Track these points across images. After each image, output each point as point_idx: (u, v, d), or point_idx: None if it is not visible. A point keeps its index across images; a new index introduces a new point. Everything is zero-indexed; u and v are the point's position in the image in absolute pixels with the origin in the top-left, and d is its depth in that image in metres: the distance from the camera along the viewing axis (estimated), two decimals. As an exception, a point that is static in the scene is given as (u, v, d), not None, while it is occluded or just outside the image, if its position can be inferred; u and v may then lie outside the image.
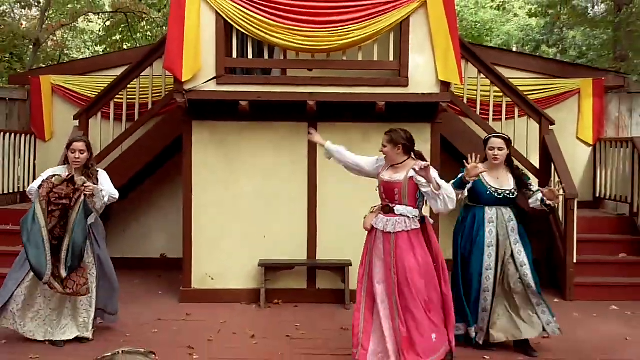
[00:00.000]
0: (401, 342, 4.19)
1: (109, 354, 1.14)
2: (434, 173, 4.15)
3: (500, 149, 4.77)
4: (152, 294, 6.71)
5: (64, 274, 4.62)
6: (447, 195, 4.18)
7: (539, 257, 7.23)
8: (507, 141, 4.84)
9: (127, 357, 1.14)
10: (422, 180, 4.18)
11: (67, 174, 4.83)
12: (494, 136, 4.92)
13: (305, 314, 5.93)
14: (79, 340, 4.85)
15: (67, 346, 4.80)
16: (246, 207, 6.43)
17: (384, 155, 4.47)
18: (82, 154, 4.96)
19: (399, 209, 4.30)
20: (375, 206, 4.49)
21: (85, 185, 4.78)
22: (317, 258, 6.43)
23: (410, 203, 4.30)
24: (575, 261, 6.55)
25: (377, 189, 4.48)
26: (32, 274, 4.69)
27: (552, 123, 7.17)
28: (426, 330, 4.21)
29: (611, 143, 7.79)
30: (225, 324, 5.61)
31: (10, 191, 7.64)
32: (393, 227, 4.30)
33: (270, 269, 6.27)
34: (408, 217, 4.29)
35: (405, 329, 4.20)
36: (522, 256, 4.74)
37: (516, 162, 5.31)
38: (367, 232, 4.48)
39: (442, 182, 4.18)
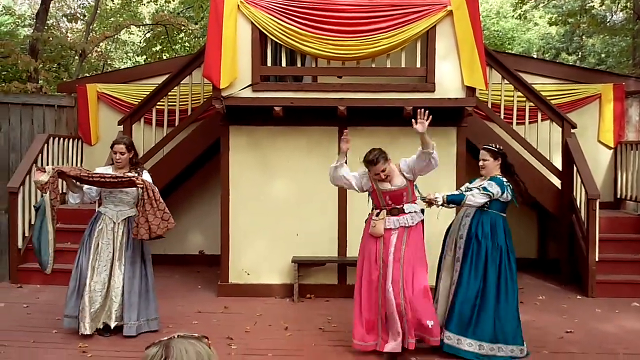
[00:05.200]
0: (409, 325, 4.55)
1: (165, 338, 1.36)
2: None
3: (484, 160, 4.88)
4: (191, 288, 6.96)
5: None
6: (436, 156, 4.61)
7: (560, 256, 7.46)
8: (494, 152, 4.86)
9: (183, 341, 1.36)
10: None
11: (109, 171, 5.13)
12: (482, 148, 5.02)
13: (336, 308, 6.10)
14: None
15: (113, 336, 5.06)
16: (280, 206, 6.65)
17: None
18: (122, 154, 5.14)
19: (407, 207, 4.72)
20: (376, 213, 4.76)
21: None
22: (347, 255, 6.63)
23: (413, 199, 4.75)
24: (597, 259, 6.67)
25: (374, 198, 4.80)
26: None
27: (574, 127, 7.30)
28: (431, 316, 4.61)
29: (631, 146, 7.88)
30: (260, 316, 5.81)
31: (59, 192, 7.88)
32: (412, 221, 4.69)
33: (302, 265, 6.51)
34: (416, 211, 4.74)
35: (412, 314, 4.56)
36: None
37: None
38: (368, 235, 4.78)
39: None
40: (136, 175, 5.11)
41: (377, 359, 4.66)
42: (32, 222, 5.04)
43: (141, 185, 4.97)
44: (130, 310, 5.06)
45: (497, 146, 4.94)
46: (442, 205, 4.73)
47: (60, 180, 5.06)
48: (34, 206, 5.00)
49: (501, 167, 4.87)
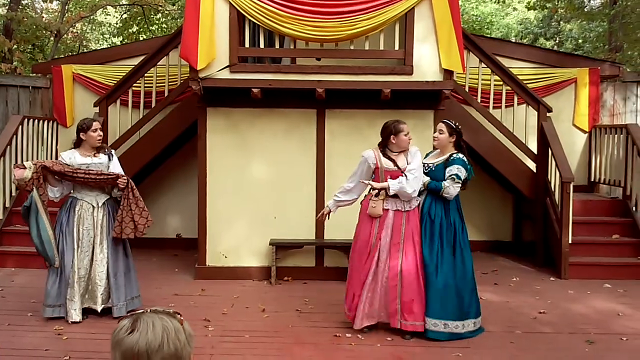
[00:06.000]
0: (409, 305, 4.63)
1: (138, 311, 1.36)
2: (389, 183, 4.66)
3: (440, 132, 4.87)
4: (168, 271, 6.95)
5: None
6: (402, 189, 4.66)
7: (534, 239, 7.57)
8: (451, 128, 4.84)
9: (153, 315, 1.36)
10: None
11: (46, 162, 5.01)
12: (441, 121, 5.02)
13: (313, 290, 6.15)
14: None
15: (89, 318, 5.07)
16: (258, 189, 6.65)
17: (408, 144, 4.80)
18: (101, 131, 5.20)
19: None
20: (375, 193, 4.76)
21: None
22: (324, 238, 6.68)
23: None
24: (570, 242, 6.76)
25: (375, 177, 4.80)
26: None
27: (550, 110, 7.38)
28: (422, 298, 4.68)
29: (606, 130, 7.99)
30: (238, 299, 5.83)
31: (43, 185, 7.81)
32: (410, 205, 4.73)
33: (280, 247, 6.53)
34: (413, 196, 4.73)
35: (409, 296, 4.64)
36: None
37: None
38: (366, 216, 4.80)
39: (394, 183, 4.66)
40: (120, 173, 5.09)
41: (354, 340, 4.71)
42: (29, 223, 4.87)
43: (123, 186, 5.03)
44: (118, 292, 5.07)
45: (456, 123, 4.92)
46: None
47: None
48: (25, 205, 4.87)
49: (454, 145, 4.88)
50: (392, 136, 4.73)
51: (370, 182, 4.78)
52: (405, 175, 4.66)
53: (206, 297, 5.90)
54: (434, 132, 5.01)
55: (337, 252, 6.60)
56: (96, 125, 5.14)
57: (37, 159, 7.74)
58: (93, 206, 5.08)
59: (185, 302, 5.65)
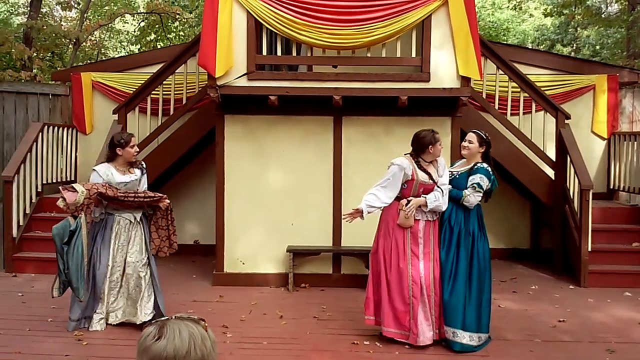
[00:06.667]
0: (438, 314, 4.67)
1: (163, 319, 1.36)
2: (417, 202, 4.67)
3: (470, 142, 4.86)
4: (186, 277, 6.98)
5: None
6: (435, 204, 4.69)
7: (553, 246, 7.51)
8: (481, 138, 4.83)
9: (179, 322, 1.37)
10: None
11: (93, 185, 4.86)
12: (471, 130, 5.00)
13: (331, 297, 6.15)
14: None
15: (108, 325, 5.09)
16: (275, 195, 6.66)
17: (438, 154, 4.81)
18: (138, 149, 5.16)
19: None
20: (405, 203, 4.69)
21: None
22: (341, 245, 6.67)
23: None
24: (589, 250, 6.70)
25: (407, 187, 4.73)
26: None
27: (568, 117, 7.33)
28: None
29: (625, 137, 7.92)
30: (255, 305, 5.84)
31: (53, 181, 7.93)
32: (435, 216, 4.76)
33: (297, 254, 6.53)
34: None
35: (439, 307, 4.68)
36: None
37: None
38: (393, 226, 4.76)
39: (431, 200, 4.68)
40: (163, 195, 5.11)
41: (372, 348, 4.70)
42: (64, 245, 4.69)
43: (167, 206, 5.11)
44: (151, 302, 5.02)
45: (486, 134, 4.93)
46: None
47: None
48: (70, 230, 4.69)
49: (482, 155, 4.87)
50: (430, 146, 4.71)
51: (411, 199, 4.69)
52: (441, 190, 4.67)
53: (224, 304, 5.92)
54: (462, 142, 4.99)
55: (354, 259, 6.59)
56: (134, 140, 5.08)
57: (57, 165, 7.85)
58: (130, 221, 5.03)
59: (203, 309, 5.68)
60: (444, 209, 4.71)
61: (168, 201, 5.10)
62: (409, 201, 4.68)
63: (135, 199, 4.93)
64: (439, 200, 4.65)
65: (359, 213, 4.72)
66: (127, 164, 5.07)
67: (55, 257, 4.78)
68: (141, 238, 5.08)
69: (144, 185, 5.17)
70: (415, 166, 4.73)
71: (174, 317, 1.56)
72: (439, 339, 4.70)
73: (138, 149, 5.16)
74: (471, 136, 4.88)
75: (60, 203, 4.68)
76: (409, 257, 4.68)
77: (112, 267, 4.98)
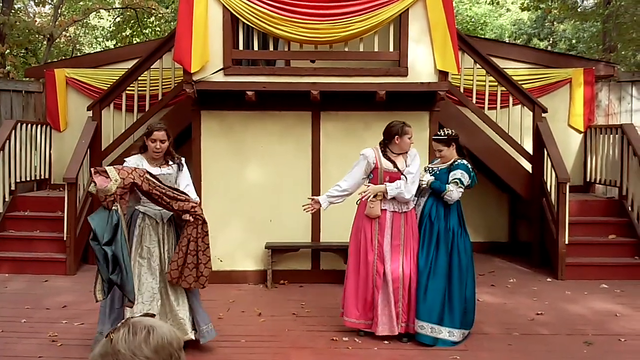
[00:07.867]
0: (406, 307, 4.64)
1: (119, 324, 1.33)
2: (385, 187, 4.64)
3: (439, 150, 4.85)
4: (164, 276, 6.90)
5: None
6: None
7: (531, 239, 7.56)
8: (445, 141, 4.80)
9: (143, 318, 1.34)
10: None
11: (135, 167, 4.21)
12: (432, 139, 5.04)
13: (310, 294, 6.13)
14: None
15: (83, 324, 5.01)
16: (253, 192, 6.61)
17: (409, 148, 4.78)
18: (162, 143, 4.37)
19: None
20: (367, 194, 4.68)
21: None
22: (320, 241, 6.65)
23: None
24: (567, 242, 6.76)
25: (373, 177, 4.74)
26: None
27: (545, 111, 7.38)
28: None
29: (601, 130, 7.99)
30: (234, 303, 5.80)
31: (28, 179, 7.83)
32: (407, 207, 4.71)
33: (276, 251, 6.49)
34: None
35: (408, 298, 4.65)
36: None
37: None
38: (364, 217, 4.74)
39: (392, 187, 4.64)
40: (196, 204, 4.36)
41: (351, 344, 4.68)
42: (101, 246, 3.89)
43: (199, 217, 4.28)
44: (203, 315, 4.53)
45: (446, 132, 4.86)
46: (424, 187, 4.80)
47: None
48: (113, 223, 3.95)
49: (457, 150, 4.87)
50: (397, 137, 4.69)
51: (369, 185, 4.73)
52: (405, 178, 4.64)
53: (202, 302, 5.83)
54: (434, 146, 4.94)
55: (333, 255, 6.57)
56: (158, 135, 4.36)
57: (32, 163, 7.70)
58: (157, 221, 4.40)
59: (180, 307, 5.60)
60: (407, 197, 4.63)
61: (199, 214, 4.28)
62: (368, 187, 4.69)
63: (168, 202, 4.20)
64: (400, 187, 4.60)
65: (317, 204, 4.80)
66: (162, 156, 4.48)
67: (95, 255, 3.98)
68: (174, 242, 4.42)
69: (184, 182, 4.52)
70: (380, 154, 4.74)
71: (130, 319, 1.50)
72: (404, 332, 4.66)
73: (161, 145, 4.38)
74: (436, 145, 4.88)
75: (92, 188, 4.04)
76: (376, 247, 4.68)
77: (144, 273, 4.34)
